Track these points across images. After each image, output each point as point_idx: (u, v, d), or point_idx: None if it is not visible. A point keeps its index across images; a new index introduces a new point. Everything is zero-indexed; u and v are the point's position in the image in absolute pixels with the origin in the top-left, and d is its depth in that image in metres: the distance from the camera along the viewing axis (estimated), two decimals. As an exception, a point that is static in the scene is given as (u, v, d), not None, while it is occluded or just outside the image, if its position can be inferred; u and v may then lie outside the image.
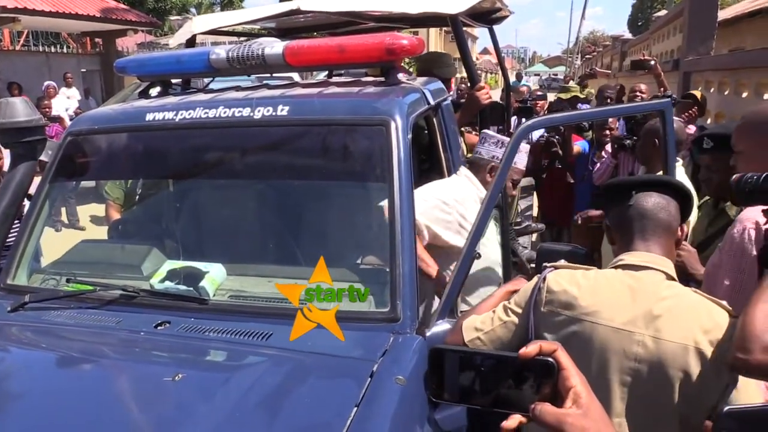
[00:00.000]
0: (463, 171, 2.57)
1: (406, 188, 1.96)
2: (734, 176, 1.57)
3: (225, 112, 2.22)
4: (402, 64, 2.56)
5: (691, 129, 3.62)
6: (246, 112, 2.19)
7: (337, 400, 1.49)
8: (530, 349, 0.74)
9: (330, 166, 2.17)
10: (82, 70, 15.94)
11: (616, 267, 1.60)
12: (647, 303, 1.48)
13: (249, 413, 1.42)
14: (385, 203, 1.97)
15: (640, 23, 40.73)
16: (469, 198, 2.42)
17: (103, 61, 16.37)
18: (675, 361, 1.42)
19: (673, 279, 1.56)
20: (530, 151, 5.30)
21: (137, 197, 3.05)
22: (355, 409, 1.41)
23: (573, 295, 1.54)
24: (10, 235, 2.48)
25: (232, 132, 2.23)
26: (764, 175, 1.49)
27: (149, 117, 2.33)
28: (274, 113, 2.15)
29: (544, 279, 1.60)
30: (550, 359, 0.73)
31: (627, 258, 1.59)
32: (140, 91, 2.77)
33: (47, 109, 8.49)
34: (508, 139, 2.55)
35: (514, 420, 0.75)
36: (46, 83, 11.14)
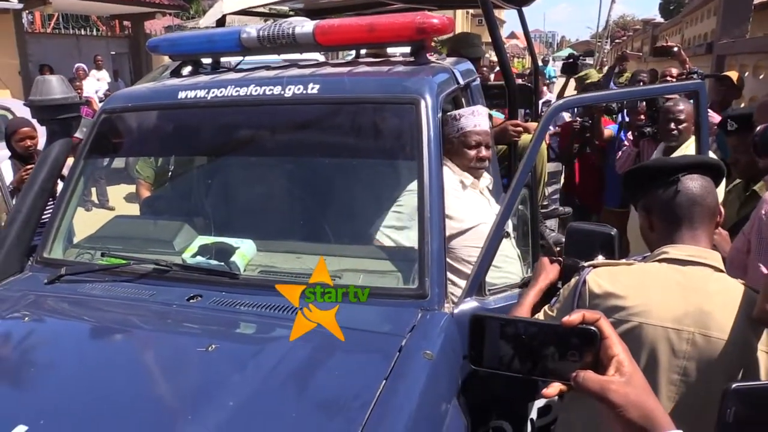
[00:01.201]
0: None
1: (435, 166, 1.97)
2: (758, 128, 1.56)
3: (256, 90, 2.24)
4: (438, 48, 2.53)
5: (715, 118, 3.53)
6: (277, 90, 2.21)
7: (366, 373, 1.51)
8: (573, 317, 0.74)
9: (360, 144, 2.18)
10: (112, 52, 16.14)
11: (660, 260, 1.54)
12: (696, 299, 1.44)
13: (280, 384, 1.45)
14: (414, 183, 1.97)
15: (672, 7, 39.69)
16: (447, 185, 2.10)
17: (131, 43, 16.55)
18: (725, 357, 1.39)
19: (721, 271, 1.51)
20: (560, 134, 5.21)
21: (168, 175, 3.10)
22: (384, 382, 1.43)
23: (617, 296, 1.48)
24: (46, 212, 2.55)
25: (263, 110, 2.25)
26: None
27: (181, 95, 2.36)
28: (304, 91, 2.17)
29: (584, 282, 1.52)
30: (593, 327, 0.74)
31: (672, 251, 1.52)
32: (172, 71, 2.80)
33: (78, 91, 8.64)
34: (451, 113, 2.36)
35: (555, 387, 0.76)
36: (76, 65, 11.32)
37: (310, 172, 2.29)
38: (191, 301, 1.90)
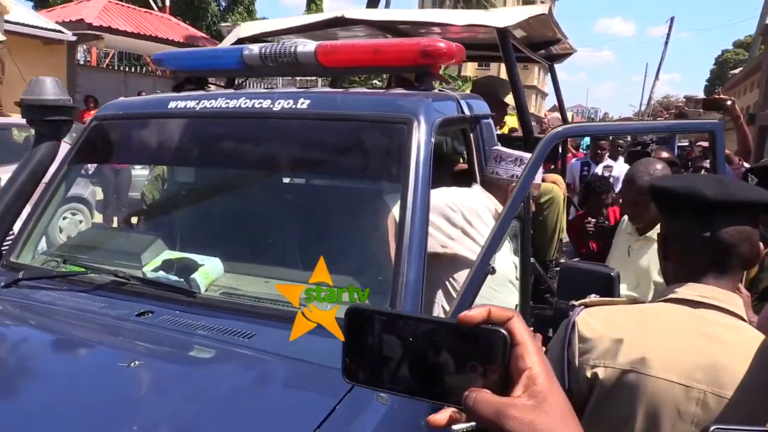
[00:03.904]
0: (478, 187, 2.36)
1: (422, 192, 1.78)
2: None
3: (245, 103, 2.13)
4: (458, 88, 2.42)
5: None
6: (266, 103, 2.09)
7: (302, 413, 1.29)
8: (474, 313, 0.53)
9: (345, 163, 2.03)
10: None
11: (666, 300, 1.27)
12: (710, 350, 1.16)
13: (190, 411, 1.24)
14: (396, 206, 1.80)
15: (717, 88, 39.56)
16: (479, 207, 2.19)
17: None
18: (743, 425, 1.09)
19: (743, 320, 1.23)
20: (570, 227, 4.83)
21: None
22: (319, 426, 1.21)
23: (612, 339, 1.22)
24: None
25: (250, 123, 2.13)
26: None
27: (171, 105, 2.27)
28: (294, 106, 2.04)
29: (573, 326, 1.26)
30: (502, 330, 0.53)
31: (682, 291, 1.25)
32: (174, 87, 2.74)
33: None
34: (527, 155, 2.31)
35: (444, 414, 0.55)
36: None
37: (291, 191, 2.14)
38: (141, 317, 1.73)
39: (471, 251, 2.08)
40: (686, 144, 8.79)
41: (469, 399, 0.51)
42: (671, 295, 1.26)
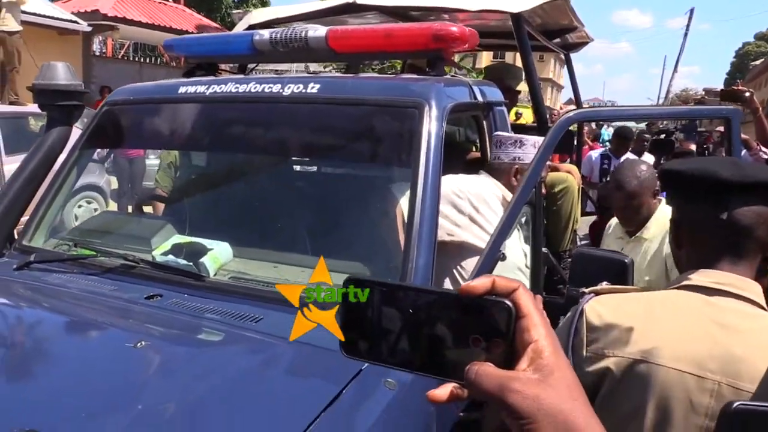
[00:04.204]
0: (484, 174, 2.33)
1: (432, 177, 1.76)
2: None
3: (255, 88, 2.12)
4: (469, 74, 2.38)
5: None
6: (276, 88, 2.08)
7: (307, 397, 1.28)
8: (477, 283, 0.50)
9: (355, 148, 2.01)
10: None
11: (679, 287, 1.21)
12: (725, 339, 1.11)
13: (196, 393, 1.23)
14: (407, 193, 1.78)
15: (737, 81, 38.94)
16: (486, 193, 2.16)
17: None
18: None
19: (762, 307, 1.17)
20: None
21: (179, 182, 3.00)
22: (325, 409, 1.20)
23: (620, 328, 1.17)
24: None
25: (259, 107, 2.13)
26: None
27: (182, 90, 2.26)
28: (303, 90, 2.02)
29: (581, 313, 1.21)
30: (507, 301, 0.50)
31: (696, 278, 1.19)
32: (184, 73, 2.73)
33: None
34: (526, 137, 2.29)
35: (445, 390, 0.53)
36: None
37: (300, 176, 2.12)
38: (150, 300, 1.73)
39: (479, 238, 2.06)
40: (703, 130, 8.63)
41: (470, 373, 0.49)
42: (684, 282, 1.21)
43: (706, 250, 1.22)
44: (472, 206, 2.08)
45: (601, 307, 1.21)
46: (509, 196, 2.20)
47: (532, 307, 0.50)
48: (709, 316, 1.14)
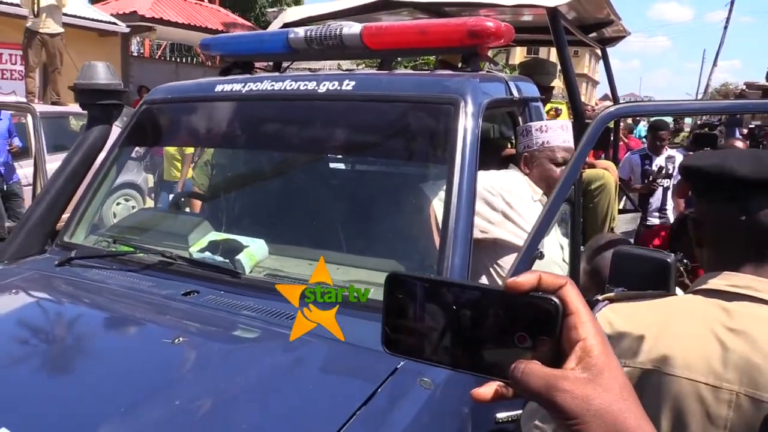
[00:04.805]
0: (514, 169, 2.30)
1: (468, 174, 1.74)
2: None
3: (291, 85, 2.12)
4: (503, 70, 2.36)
5: None
6: (311, 85, 2.08)
7: (340, 397, 1.27)
8: (523, 279, 0.48)
9: (391, 145, 1.99)
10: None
11: (696, 292, 1.15)
12: (743, 347, 1.04)
13: (230, 389, 1.24)
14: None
15: (780, 75, 37.58)
16: (518, 189, 2.12)
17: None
18: None
19: None
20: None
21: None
22: (361, 407, 1.19)
23: (633, 336, 1.10)
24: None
25: (295, 105, 2.13)
26: None
27: (218, 88, 2.29)
28: (339, 87, 2.02)
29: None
30: (554, 298, 0.48)
31: (714, 282, 1.12)
32: (221, 71, 2.76)
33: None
34: (551, 122, 2.32)
35: (489, 388, 0.51)
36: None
37: (336, 173, 2.12)
38: (186, 296, 1.75)
39: (513, 234, 2.03)
40: (757, 124, 8.17)
41: (517, 371, 0.47)
42: (703, 286, 1.14)
43: (727, 251, 1.15)
44: (504, 202, 2.05)
45: (613, 315, 1.15)
46: (538, 193, 2.18)
47: (580, 304, 0.48)
48: (723, 322, 1.07)
